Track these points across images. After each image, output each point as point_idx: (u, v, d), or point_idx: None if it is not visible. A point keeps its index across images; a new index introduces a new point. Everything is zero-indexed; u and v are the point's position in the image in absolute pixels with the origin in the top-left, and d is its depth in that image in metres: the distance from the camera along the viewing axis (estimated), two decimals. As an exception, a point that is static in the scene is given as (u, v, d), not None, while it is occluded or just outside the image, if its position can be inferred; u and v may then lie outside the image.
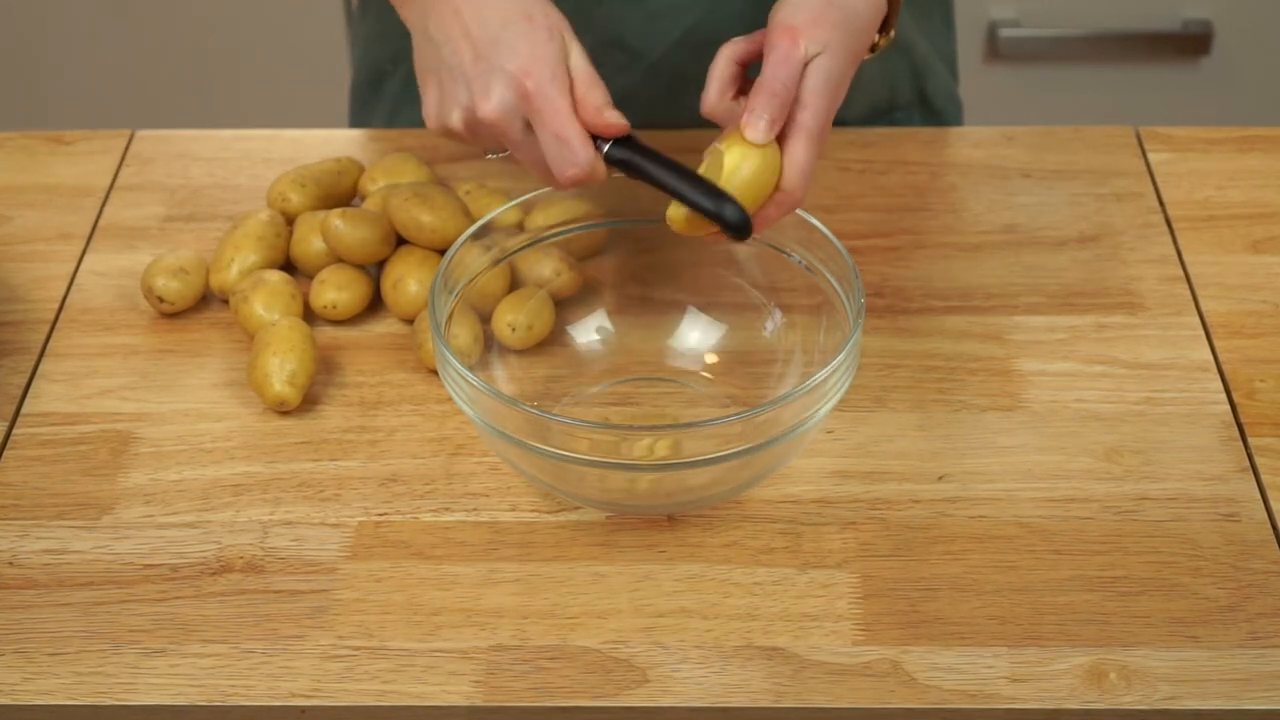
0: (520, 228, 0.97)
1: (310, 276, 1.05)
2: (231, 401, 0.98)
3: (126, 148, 1.17)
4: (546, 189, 0.96)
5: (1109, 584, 0.87)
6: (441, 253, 1.01)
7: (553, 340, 0.99)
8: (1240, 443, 0.94)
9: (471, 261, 0.94)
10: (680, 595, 0.87)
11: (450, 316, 0.93)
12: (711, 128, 0.90)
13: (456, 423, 0.96)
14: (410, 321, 1.03)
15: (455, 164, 1.14)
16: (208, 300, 1.05)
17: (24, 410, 0.98)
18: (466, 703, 0.82)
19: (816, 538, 0.90)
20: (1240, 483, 0.92)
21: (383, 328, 1.03)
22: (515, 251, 0.98)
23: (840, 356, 0.85)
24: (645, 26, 1.13)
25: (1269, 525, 0.90)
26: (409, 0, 0.94)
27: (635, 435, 0.88)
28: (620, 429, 0.91)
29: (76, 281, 1.06)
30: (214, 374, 1.00)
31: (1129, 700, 0.82)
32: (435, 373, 0.99)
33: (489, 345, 0.97)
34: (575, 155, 0.87)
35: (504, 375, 0.96)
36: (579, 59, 0.89)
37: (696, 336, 0.99)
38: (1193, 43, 2.08)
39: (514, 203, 0.96)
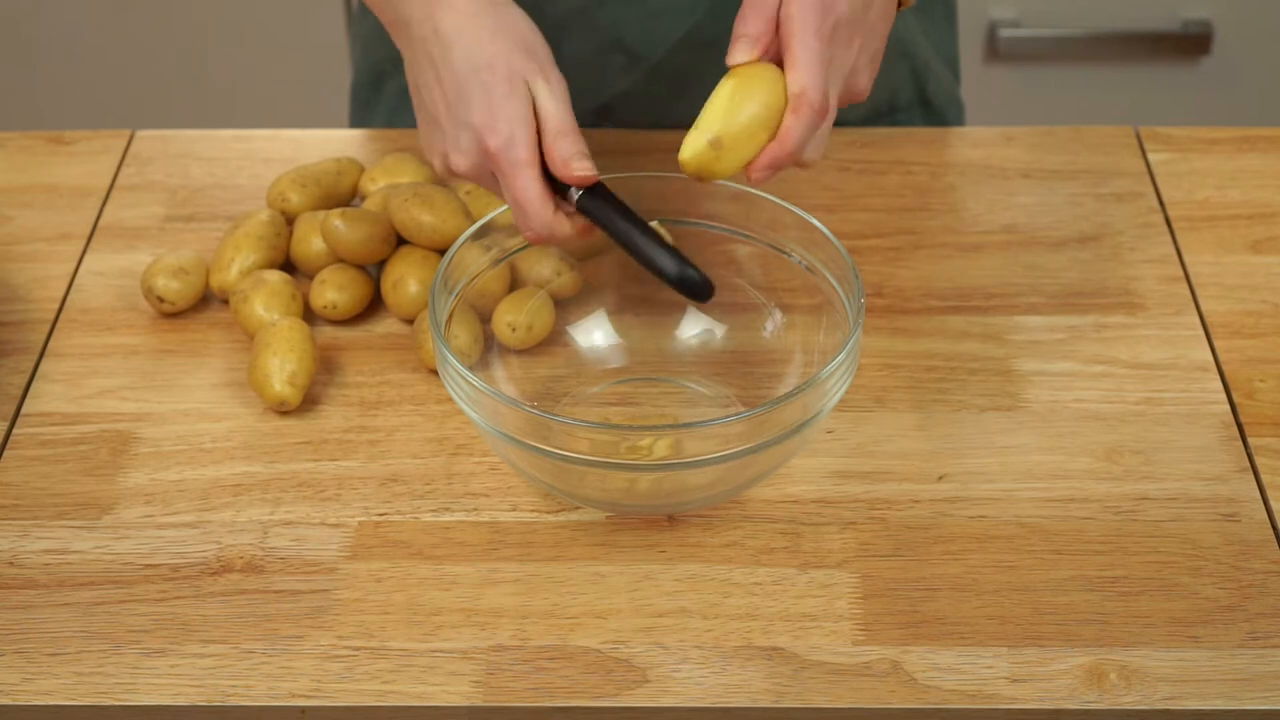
0: (520, 228, 0.97)
1: (310, 276, 1.05)
2: (232, 401, 0.98)
3: (127, 148, 1.17)
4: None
5: (1109, 584, 0.87)
6: (441, 253, 1.01)
7: (553, 340, 0.99)
8: (1240, 443, 0.95)
9: (471, 261, 0.94)
10: (680, 595, 0.87)
11: (450, 316, 0.93)
12: None
13: (456, 423, 0.96)
14: (410, 321, 1.03)
15: (455, 164, 1.14)
16: (208, 300, 1.05)
17: (24, 410, 0.98)
18: (466, 703, 0.82)
19: (816, 538, 0.90)
20: (1240, 483, 0.92)
21: (383, 328, 1.03)
22: (515, 251, 0.98)
23: (840, 356, 0.85)
24: (646, 27, 1.13)
25: (1269, 525, 0.90)
26: (393, 28, 0.94)
27: (635, 435, 0.88)
28: (620, 429, 0.91)
29: (77, 281, 1.07)
30: (214, 374, 1.00)
31: (1129, 700, 0.82)
32: (435, 373, 0.99)
33: (489, 345, 0.97)
34: (529, 220, 0.88)
35: (504, 375, 0.96)
36: (550, 104, 0.88)
37: (696, 336, 0.99)
38: (1192, 43, 2.08)
39: (514, 203, 0.96)
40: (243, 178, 1.14)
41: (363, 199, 1.09)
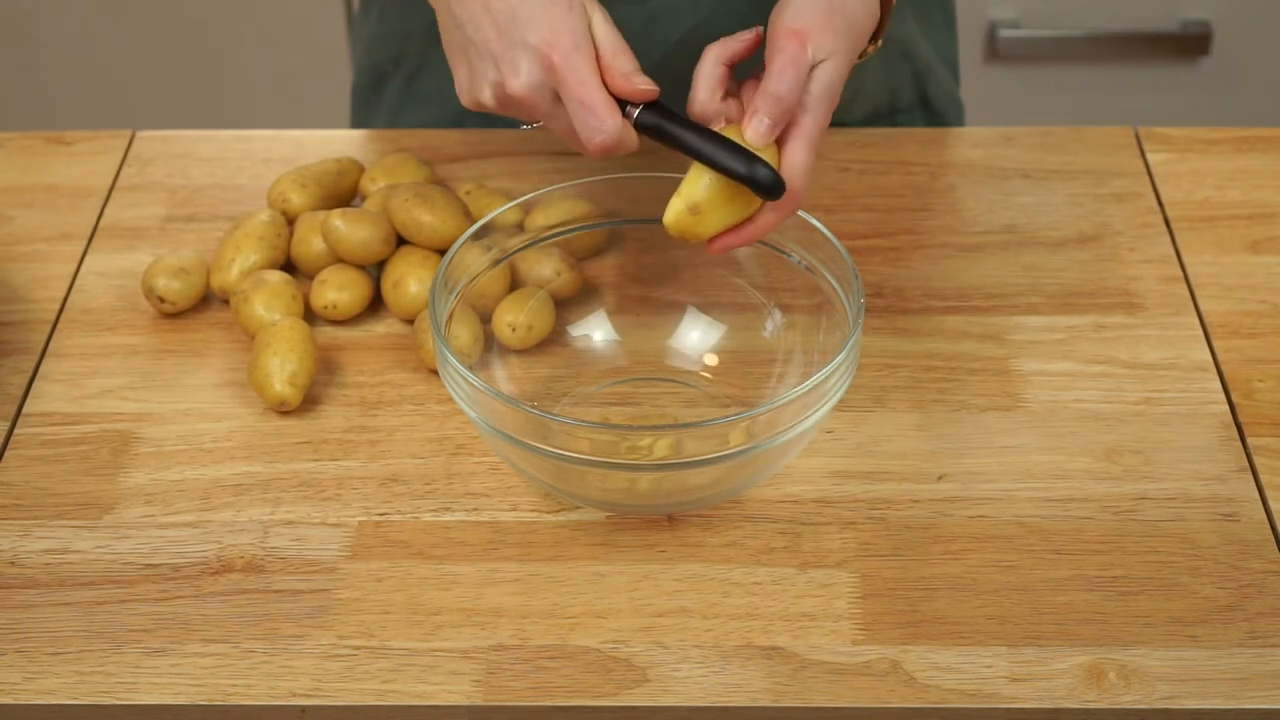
0: (520, 228, 0.98)
1: (311, 276, 1.05)
2: (232, 401, 0.98)
3: (127, 148, 1.17)
4: (547, 189, 0.96)
5: (1108, 584, 0.87)
6: (441, 253, 1.02)
7: (553, 340, 0.99)
8: (1239, 442, 0.95)
9: (471, 261, 0.95)
10: (680, 595, 0.87)
11: (450, 316, 0.93)
12: None
13: (456, 423, 0.96)
14: (410, 321, 1.03)
15: (455, 164, 1.14)
16: (208, 300, 1.05)
17: (25, 410, 0.98)
18: (466, 702, 0.82)
19: (816, 538, 0.90)
20: (1239, 482, 0.92)
21: (383, 328, 1.03)
22: (515, 251, 0.98)
23: (840, 356, 0.85)
24: (645, 28, 1.13)
25: (1268, 525, 0.90)
26: None
27: (635, 435, 0.88)
28: (620, 429, 0.91)
29: (77, 282, 1.07)
30: (214, 374, 1.00)
31: (1128, 700, 0.82)
32: (435, 373, 0.99)
33: (489, 345, 0.97)
34: (602, 123, 0.87)
35: (504, 375, 0.97)
36: (603, 26, 0.89)
37: (696, 336, 0.99)
38: (1192, 43, 2.08)
39: (514, 203, 0.96)
40: (243, 178, 1.14)
41: (363, 199, 1.09)
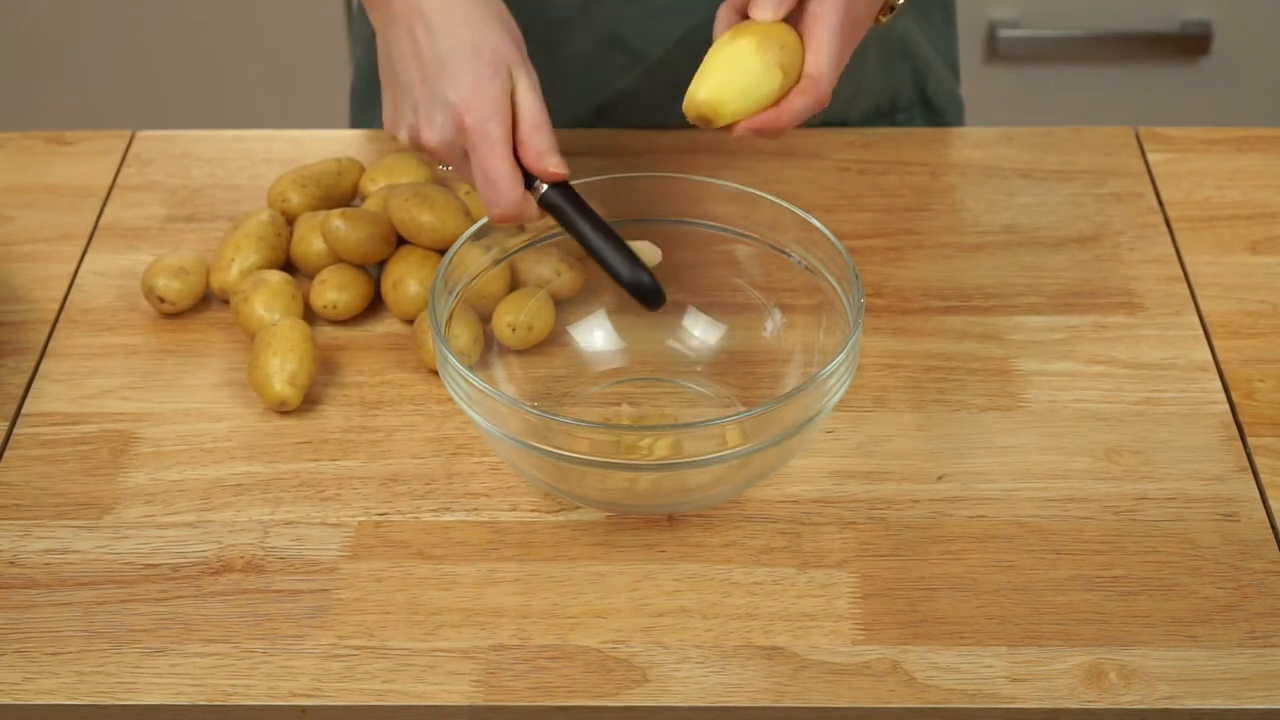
0: (520, 228, 0.98)
1: (310, 276, 1.05)
2: (232, 401, 0.98)
3: (127, 148, 1.17)
4: (546, 189, 0.96)
5: (1108, 584, 0.87)
6: (441, 253, 1.02)
7: (553, 340, 0.99)
8: (1239, 442, 0.95)
9: (471, 261, 0.95)
10: (680, 595, 0.87)
11: (450, 316, 0.93)
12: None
13: (456, 423, 0.96)
14: (410, 321, 1.03)
15: (455, 164, 1.14)
16: (208, 300, 1.05)
17: (25, 410, 0.98)
18: (466, 702, 0.82)
19: (816, 538, 0.90)
20: (1239, 482, 0.92)
21: (383, 328, 1.03)
22: (515, 251, 0.98)
23: (840, 356, 0.85)
24: (646, 26, 1.13)
25: (1268, 525, 0.90)
26: (374, 5, 0.95)
27: (635, 435, 0.88)
28: (620, 429, 0.91)
29: (77, 281, 1.07)
30: (214, 374, 1.00)
31: (1128, 700, 0.82)
32: (435, 373, 0.99)
33: (489, 345, 0.97)
34: (500, 197, 0.89)
35: (504, 375, 0.97)
36: (527, 94, 0.90)
37: (696, 336, 0.99)
38: (1192, 43, 2.08)
39: (514, 203, 0.96)
40: (243, 178, 1.14)
41: (363, 199, 1.09)
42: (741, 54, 0.86)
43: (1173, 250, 1.08)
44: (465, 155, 0.91)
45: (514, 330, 0.97)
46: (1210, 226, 1.10)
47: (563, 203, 0.90)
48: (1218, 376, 0.99)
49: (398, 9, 0.92)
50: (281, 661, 0.84)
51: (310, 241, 1.04)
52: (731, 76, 0.86)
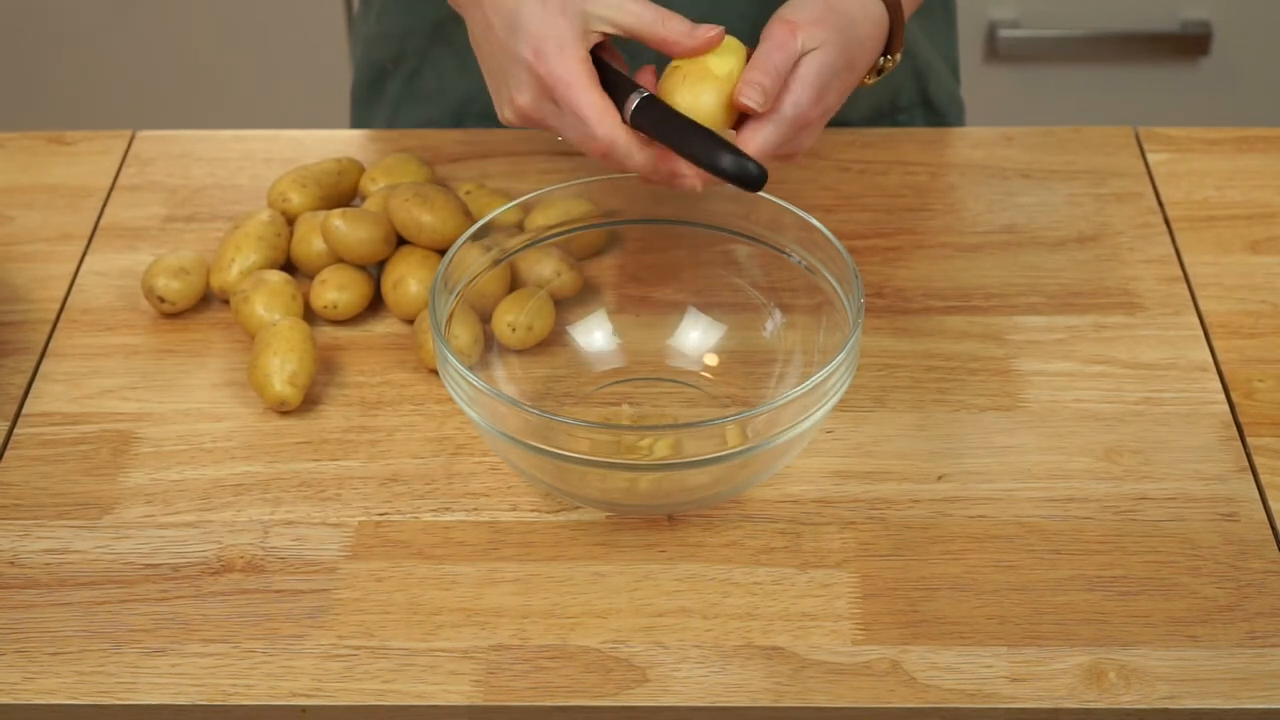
0: (520, 228, 0.98)
1: (310, 276, 1.05)
2: (232, 401, 0.98)
3: (127, 148, 1.17)
4: (547, 189, 0.96)
5: (1108, 584, 0.87)
6: (441, 253, 1.02)
7: (553, 340, 0.99)
8: (1239, 442, 0.95)
9: (471, 261, 0.95)
10: (680, 595, 0.87)
11: (450, 316, 0.93)
12: None
13: (456, 423, 0.96)
14: (410, 321, 1.03)
15: (455, 164, 1.14)
16: (208, 300, 1.05)
17: (25, 410, 0.98)
18: (466, 702, 0.82)
19: (816, 538, 0.90)
20: (1239, 482, 0.92)
21: (383, 328, 1.03)
22: (515, 251, 0.98)
23: (840, 356, 0.85)
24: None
25: (1268, 525, 0.90)
26: (461, 5, 0.94)
27: (635, 435, 0.88)
28: (620, 429, 0.91)
29: (77, 281, 1.07)
30: (214, 374, 1.00)
31: (1128, 700, 0.82)
32: (435, 373, 0.99)
33: (489, 345, 0.97)
34: (596, 130, 0.86)
35: (504, 375, 0.97)
36: (632, 6, 0.87)
37: (696, 336, 0.99)
38: (1192, 43, 2.08)
39: (514, 203, 0.96)
40: (243, 178, 1.14)
41: (363, 199, 1.09)
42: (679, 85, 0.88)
43: (1173, 250, 1.08)
44: (558, 106, 0.88)
45: (514, 330, 0.97)
46: (1210, 226, 1.10)
47: (653, 120, 0.87)
48: (1217, 376, 0.99)
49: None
50: (281, 661, 0.84)
51: (310, 241, 1.04)
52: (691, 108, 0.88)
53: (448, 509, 0.92)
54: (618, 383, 0.99)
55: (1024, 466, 0.93)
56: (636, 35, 0.88)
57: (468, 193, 1.07)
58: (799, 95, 0.88)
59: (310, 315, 1.03)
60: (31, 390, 0.99)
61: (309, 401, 0.98)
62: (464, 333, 0.94)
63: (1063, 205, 1.11)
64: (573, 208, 0.98)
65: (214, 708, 0.83)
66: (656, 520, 0.91)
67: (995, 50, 2.09)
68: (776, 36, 0.88)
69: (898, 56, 0.96)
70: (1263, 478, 0.92)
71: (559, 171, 1.13)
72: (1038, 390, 0.98)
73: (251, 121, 1.94)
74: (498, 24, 0.89)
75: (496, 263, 0.97)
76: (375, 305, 1.04)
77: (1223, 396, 0.97)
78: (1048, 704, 0.82)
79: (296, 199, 1.07)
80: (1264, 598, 0.86)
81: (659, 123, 0.87)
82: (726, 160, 0.84)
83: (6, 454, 0.95)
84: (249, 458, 0.95)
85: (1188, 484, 0.92)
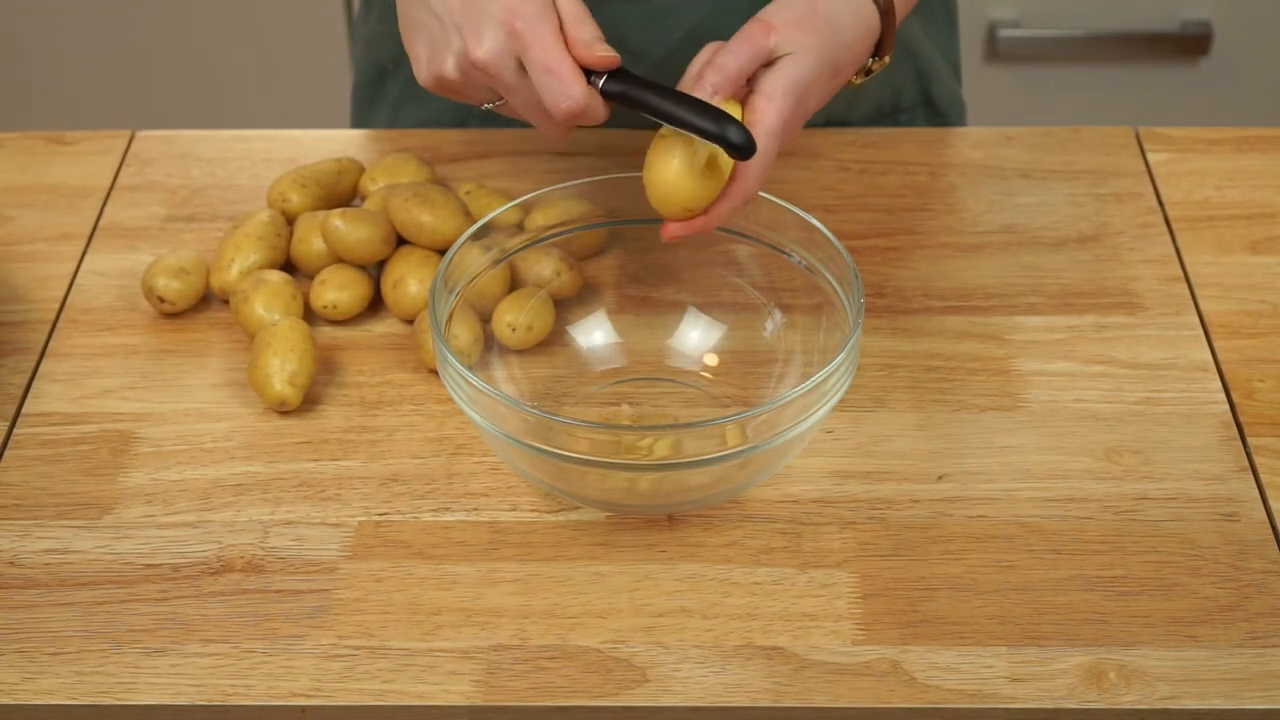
0: (520, 228, 0.98)
1: (310, 276, 1.05)
2: (232, 401, 0.98)
3: (127, 148, 1.17)
4: (547, 189, 0.96)
5: (1108, 584, 0.87)
6: (441, 253, 1.02)
7: (553, 340, 0.99)
8: (1239, 442, 0.95)
9: (471, 261, 0.95)
10: (680, 595, 0.87)
11: (450, 316, 0.93)
12: None
13: (456, 423, 0.96)
14: (410, 321, 1.03)
15: (455, 164, 1.14)
16: (208, 300, 1.05)
17: (25, 410, 0.98)
18: (466, 702, 0.82)
19: (816, 538, 0.90)
20: (1239, 482, 0.92)
21: (383, 328, 1.03)
22: (515, 251, 0.98)
23: (840, 356, 0.85)
24: (647, 26, 1.13)
25: (1268, 525, 0.90)
26: None
27: (635, 435, 0.88)
28: (620, 429, 0.91)
29: (77, 281, 1.07)
30: (214, 374, 1.00)
31: (1128, 700, 0.82)
32: (435, 373, 0.99)
33: (489, 345, 0.97)
34: (568, 88, 0.86)
35: (504, 375, 0.97)
36: None
37: (696, 336, 0.99)
38: (1192, 43, 2.08)
39: (514, 203, 0.96)
40: (243, 178, 1.14)
41: (363, 199, 1.09)
42: (665, 152, 0.88)
43: (1173, 250, 1.08)
44: (519, 68, 0.88)
45: (514, 330, 0.97)
46: (1210, 226, 1.10)
47: (625, 87, 0.87)
48: (1218, 376, 0.99)
49: None
50: (281, 661, 0.84)
51: (310, 241, 1.04)
52: (661, 175, 0.87)
53: (448, 509, 0.92)
54: (618, 383, 0.99)
55: (1024, 466, 0.93)
56: (564, 20, 0.88)
57: (468, 193, 1.07)
58: (781, 105, 0.88)
59: (310, 315, 1.03)
60: (31, 390, 0.99)
61: (309, 401, 0.98)
62: (464, 333, 0.94)
63: (1063, 205, 1.11)
64: (573, 208, 0.98)
65: (214, 708, 0.83)
66: (656, 520, 0.91)
67: (995, 50, 2.09)
68: (747, 31, 0.88)
69: (887, 59, 0.96)
70: (1263, 478, 0.92)
71: (559, 171, 1.13)
72: (1038, 390, 0.98)
73: (251, 121, 1.94)
74: None
75: (496, 263, 0.97)
76: (375, 305, 1.04)
77: (1223, 396, 0.97)
78: (1048, 704, 0.82)
79: (296, 199, 1.07)
80: (1264, 598, 0.86)
81: (638, 91, 0.87)
82: (708, 122, 0.84)
83: (6, 454, 0.95)
84: (249, 458, 0.95)
85: (1188, 484, 0.92)
